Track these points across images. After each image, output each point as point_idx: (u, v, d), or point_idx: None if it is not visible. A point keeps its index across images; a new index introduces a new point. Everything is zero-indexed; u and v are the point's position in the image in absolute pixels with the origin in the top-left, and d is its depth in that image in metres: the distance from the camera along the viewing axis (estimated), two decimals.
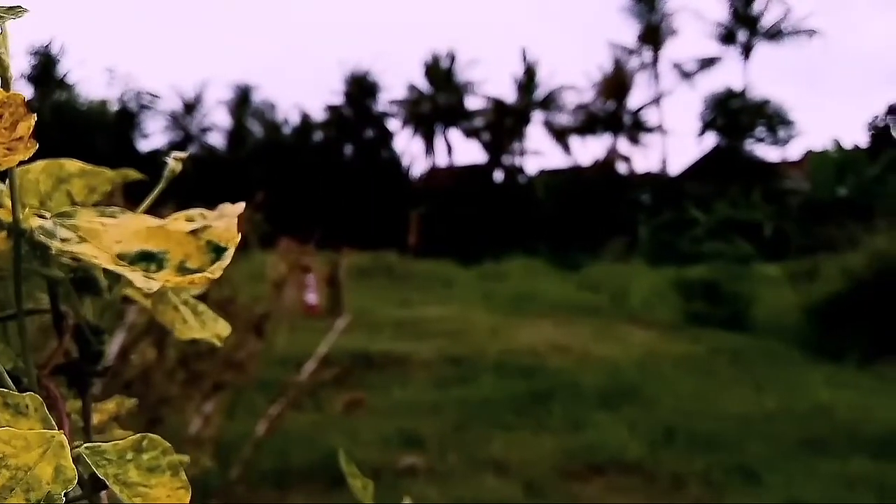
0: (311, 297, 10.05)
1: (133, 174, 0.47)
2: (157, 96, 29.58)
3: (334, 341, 5.60)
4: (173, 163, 0.44)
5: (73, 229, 0.34)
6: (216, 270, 0.33)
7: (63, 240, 0.34)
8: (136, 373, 2.90)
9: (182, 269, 0.33)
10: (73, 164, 0.44)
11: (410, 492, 4.11)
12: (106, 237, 0.34)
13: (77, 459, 0.31)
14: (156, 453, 0.33)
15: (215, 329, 0.47)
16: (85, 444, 0.33)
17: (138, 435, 0.33)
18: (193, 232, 0.35)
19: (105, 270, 0.41)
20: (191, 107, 30.95)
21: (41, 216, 0.35)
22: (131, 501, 0.31)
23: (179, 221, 0.36)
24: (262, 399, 4.53)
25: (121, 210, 0.37)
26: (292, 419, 4.64)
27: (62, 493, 0.28)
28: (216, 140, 30.78)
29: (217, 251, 0.34)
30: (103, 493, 0.34)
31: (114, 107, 28.53)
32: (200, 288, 0.35)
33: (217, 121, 33.13)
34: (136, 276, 0.32)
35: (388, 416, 5.60)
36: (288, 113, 38.98)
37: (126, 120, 28.45)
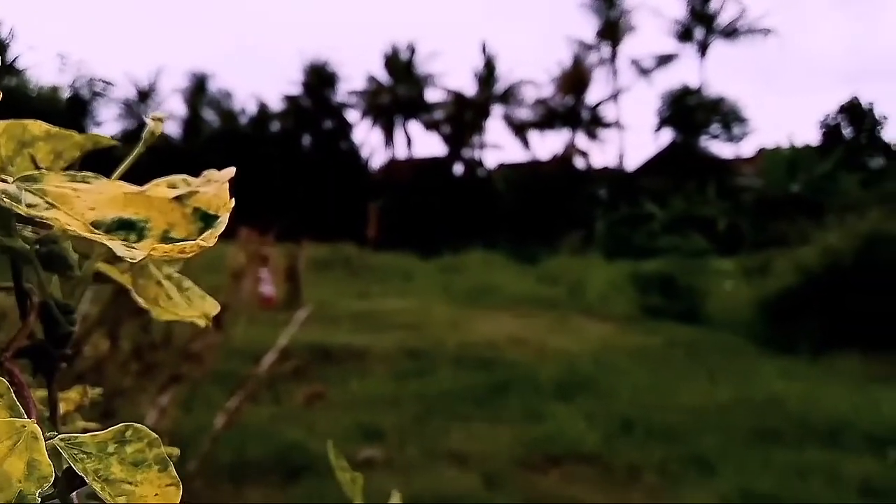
0: (267, 289, 9.94)
1: (104, 139, 0.42)
2: (110, 83, 28.90)
3: (292, 334, 5.53)
4: (153, 124, 0.40)
5: (40, 194, 0.30)
6: (209, 238, 0.29)
7: (29, 205, 0.30)
8: (89, 364, 2.81)
9: (166, 240, 0.30)
10: (37, 126, 0.39)
11: (369, 484, 4.08)
12: (78, 203, 0.30)
13: (49, 453, 0.27)
14: (141, 445, 0.29)
15: (203, 307, 0.42)
16: (59, 436, 0.29)
17: (121, 425, 0.29)
18: (178, 198, 0.31)
19: (74, 244, 0.37)
20: (145, 95, 30.34)
21: (3, 180, 0.31)
22: (114, 501, 0.27)
23: (160, 187, 0.33)
24: (219, 392, 4.46)
25: (93, 175, 0.33)
26: (250, 412, 4.57)
27: (36, 493, 0.24)
28: (171, 129, 30.21)
29: (206, 219, 0.30)
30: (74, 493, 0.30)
31: (65, 93, 27.78)
32: (188, 258, 0.31)
33: (172, 109, 32.53)
34: (115, 244, 0.28)
35: (346, 409, 5.56)
36: (245, 102, 38.47)
37: (78, 107, 27.74)
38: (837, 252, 8.85)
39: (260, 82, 62.77)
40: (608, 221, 22.50)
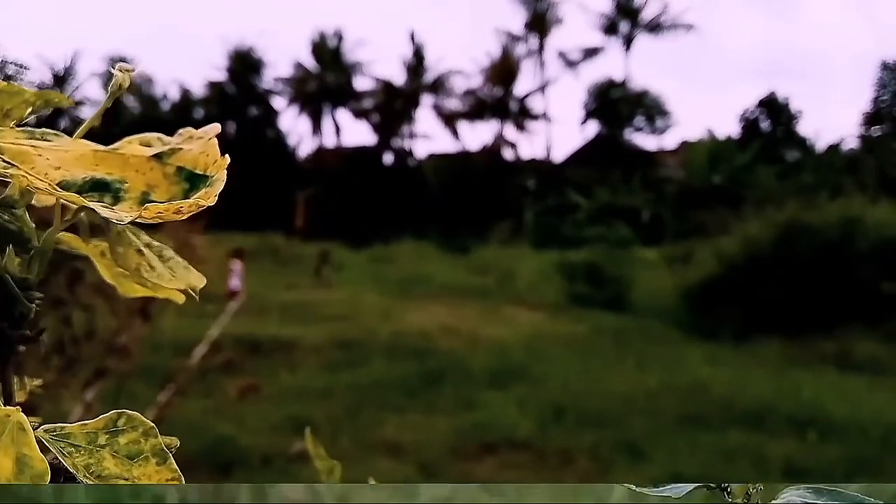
0: (235, 284, 9.70)
1: (57, 97, 0.37)
2: (24, 67, 27.64)
3: (221, 326, 5.40)
4: (120, 75, 0.35)
5: None
6: (209, 196, 0.25)
7: None
8: None
9: (145, 203, 0.26)
10: None
11: (301, 478, 4.01)
12: (41, 162, 0.26)
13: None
14: (136, 435, 0.25)
15: (188, 279, 0.38)
16: (43, 426, 0.24)
17: (112, 412, 0.25)
18: (157, 157, 0.27)
19: (31, 213, 0.32)
20: (61, 79, 29.11)
21: None
22: None
23: (133, 145, 0.29)
24: (146, 386, 4.31)
25: (54, 132, 0.29)
26: (180, 406, 4.43)
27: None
28: (89, 115, 29.04)
29: (192, 179, 0.27)
30: None
31: None
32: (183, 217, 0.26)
33: (90, 94, 31.32)
34: (94, 205, 0.24)
35: (277, 402, 5.46)
36: (167, 88, 37.26)
37: None
38: (757, 241, 9.14)
39: (182, 67, 61.01)
40: (536, 212, 22.75)
